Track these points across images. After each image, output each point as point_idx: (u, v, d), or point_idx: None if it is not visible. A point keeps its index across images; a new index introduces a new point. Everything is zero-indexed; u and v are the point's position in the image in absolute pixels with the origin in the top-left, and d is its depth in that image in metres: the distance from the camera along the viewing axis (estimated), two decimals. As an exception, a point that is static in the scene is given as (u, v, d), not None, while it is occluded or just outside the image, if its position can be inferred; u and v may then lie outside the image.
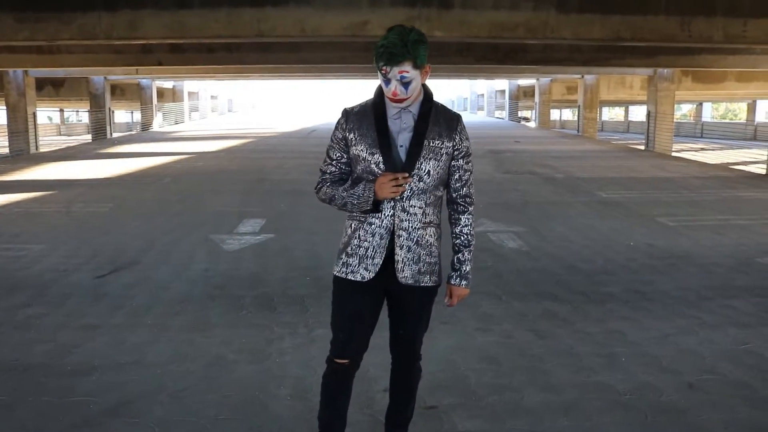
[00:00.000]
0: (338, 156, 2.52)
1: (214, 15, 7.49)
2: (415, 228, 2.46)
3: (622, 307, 5.30)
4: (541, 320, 4.93)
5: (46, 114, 58.21)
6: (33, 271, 6.35)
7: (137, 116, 40.46)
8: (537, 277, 6.19)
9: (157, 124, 33.71)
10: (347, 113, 2.51)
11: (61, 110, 53.66)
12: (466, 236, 2.56)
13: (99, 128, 26.98)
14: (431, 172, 2.43)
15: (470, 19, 7.62)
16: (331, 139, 2.54)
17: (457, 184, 2.54)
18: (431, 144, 2.43)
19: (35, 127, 21.93)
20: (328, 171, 2.55)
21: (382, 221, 2.46)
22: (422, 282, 2.51)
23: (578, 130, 28.64)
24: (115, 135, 29.62)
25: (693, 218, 9.42)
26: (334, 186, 2.51)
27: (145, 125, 32.64)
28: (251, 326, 4.75)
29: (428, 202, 2.48)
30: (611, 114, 64.31)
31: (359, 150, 2.44)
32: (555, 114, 51.81)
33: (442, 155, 2.45)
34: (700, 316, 5.07)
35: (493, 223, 8.56)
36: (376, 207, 2.43)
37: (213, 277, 6.13)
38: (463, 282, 2.58)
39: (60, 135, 46.56)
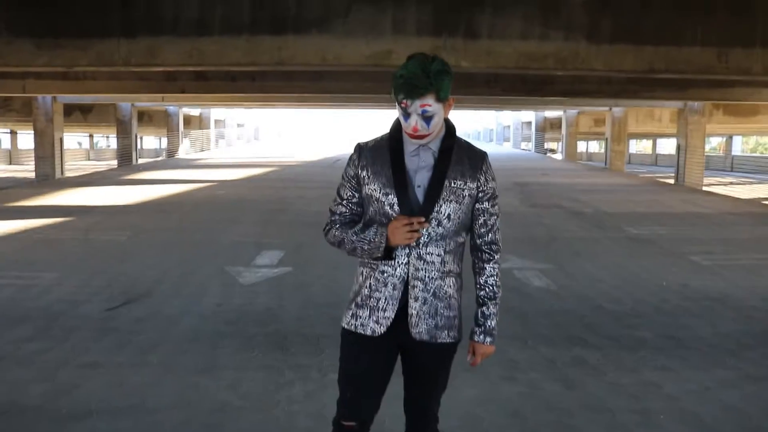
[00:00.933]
0: (349, 195, 2.29)
1: (234, 42, 7.35)
2: (432, 278, 2.21)
3: (657, 354, 4.96)
4: (569, 368, 4.61)
5: (76, 139, 59.17)
6: (42, 302, 6.17)
7: (165, 143, 40.81)
8: (564, 320, 5.87)
9: (183, 151, 33.91)
10: (360, 148, 2.29)
11: (91, 135, 54.48)
12: (491, 288, 2.29)
13: (125, 154, 27.17)
14: (451, 216, 2.19)
15: (498, 49, 7.39)
16: (342, 176, 2.32)
17: (482, 230, 2.29)
18: (452, 185, 2.19)
19: (62, 152, 22.09)
20: (338, 212, 2.32)
21: (396, 270, 2.21)
22: (439, 338, 2.24)
23: (606, 163, 28.23)
24: (140, 161, 29.84)
25: (728, 257, 9.04)
26: (344, 228, 2.28)
27: (171, 152, 32.84)
28: (261, 368, 4.50)
29: (448, 249, 2.23)
30: (638, 146, 63.66)
31: (372, 189, 2.21)
32: (582, 146, 51.34)
33: (464, 197, 2.21)
34: (741, 367, 4.71)
35: (518, 259, 8.25)
36: (389, 254, 2.19)
37: (225, 313, 5.90)
38: (488, 339, 2.30)
39: (89, 160, 47.26)
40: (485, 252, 2.30)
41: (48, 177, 21.22)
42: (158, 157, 41.41)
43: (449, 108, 2.18)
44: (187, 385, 4.19)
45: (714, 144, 59.79)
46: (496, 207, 2.30)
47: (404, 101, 2.11)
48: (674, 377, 4.48)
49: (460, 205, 2.20)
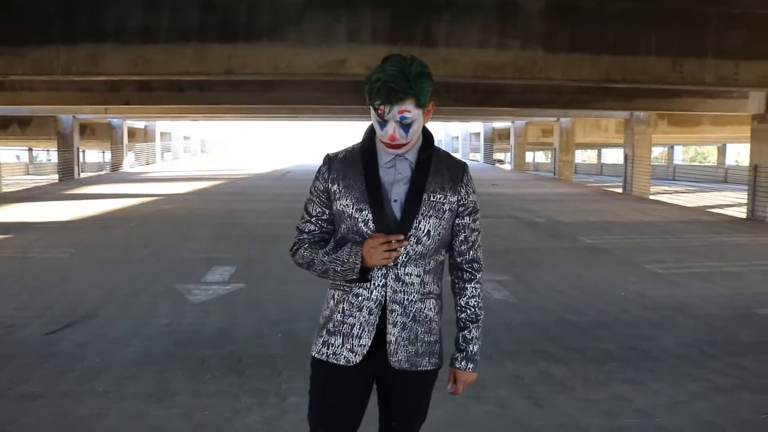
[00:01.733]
0: (318, 212, 2.08)
1: (181, 50, 7.03)
2: (411, 301, 2.01)
3: (624, 368, 4.87)
4: (537, 385, 4.47)
5: (14, 153, 57.16)
6: (-25, 327, 5.75)
7: (109, 156, 39.72)
8: (527, 333, 5.75)
9: (128, 164, 33.04)
10: (330, 160, 2.08)
11: (30, 149, 52.67)
12: (473, 309, 2.11)
13: (67, 168, 26.27)
14: (431, 233, 2.00)
15: (455, 57, 7.27)
16: (311, 191, 2.11)
17: (462, 247, 2.11)
18: (431, 198, 2.00)
19: (-1, 167, 21.17)
20: (306, 230, 2.11)
21: (372, 293, 2.00)
22: (420, 366, 2.05)
23: (554, 173, 28.59)
24: (83, 175, 28.90)
25: (681, 265, 9.12)
26: (313, 248, 2.07)
27: (115, 165, 31.95)
28: (215, 394, 4.22)
29: (428, 268, 2.04)
30: (584, 156, 64.96)
31: (344, 205, 2.00)
32: (529, 156, 52.07)
33: (444, 212, 2.03)
34: (709, 377, 4.65)
35: (476, 271, 8.12)
36: (364, 276, 1.99)
37: (175, 333, 5.59)
38: (470, 365, 2.12)
39: (28, 174, 45.64)
40: (466, 271, 2.12)
41: (-17, 193, 20.29)
42: (102, 170, 40.23)
43: (429, 114, 1.99)
44: (136, 414, 3.89)
45: (656, 154, 61.50)
46: (478, 222, 2.13)
47: (381, 107, 1.91)
48: (644, 391, 4.38)
49: (440, 220, 2.02)
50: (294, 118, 31.69)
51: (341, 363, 2.02)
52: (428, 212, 1.99)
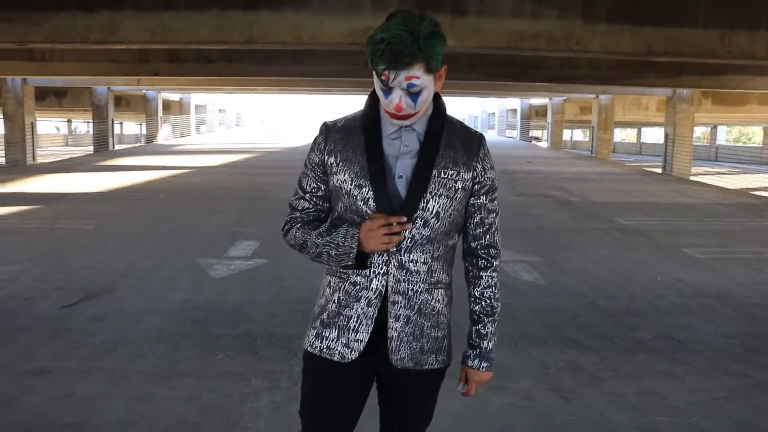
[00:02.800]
0: (314, 187, 1.86)
1: (202, 18, 6.79)
2: (417, 291, 1.78)
3: (657, 359, 4.59)
4: (564, 375, 4.22)
5: (53, 124, 58.01)
6: (-7, 298, 5.69)
7: (145, 128, 40.02)
8: (556, 318, 5.48)
9: (163, 136, 33.21)
10: (327, 129, 1.84)
11: (69, 121, 53.39)
12: (488, 301, 1.87)
13: (102, 140, 26.47)
14: (441, 214, 1.76)
15: (487, 27, 6.90)
16: (305, 163, 1.88)
17: (478, 230, 1.85)
18: (442, 175, 1.76)
19: (33, 137, 21.37)
20: (299, 207, 1.88)
21: (371, 281, 1.77)
22: (425, 364, 1.82)
23: (592, 152, 27.93)
24: (118, 147, 29.13)
25: (723, 250, 8.72)
26: (306, 228, 1.84)
27: (150, 138, 32.14)
28: (225, 375, 4.06)
29: (436, 255, 1.79)
30: (622, 135, 63.59)
31: (342, 180, 1.77)
32: (566, 134, 51.11)
33: (456, 190, 1.78)
34: (750, 373, 4.34)
35: (506, 251, 7.78)
36: (362, 262, 1.76)
37: (192, 310, 5.46)
38: (484, 364, 1.88)
39: (67, 146, 46.36)
40: (481, 257, 1.87)
41: (18, 162, 20.51)
42: (138, 142, 40.58)
43: (440, 81, 1.73)
44: (141, 396, 3.75)
45: (698, 134, 59.94)
46: (495, 202, 1.87)
47: (385, 72, 1.65)
48: (679, 386, 4.10)
49: (451, 200, 1.76)
50: (324, 92, 31.40)
51: (335, 359, 1.80)
52: (438, 190, 1.74)
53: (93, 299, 5.71)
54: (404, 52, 1.60)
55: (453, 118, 1.84)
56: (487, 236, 1.86)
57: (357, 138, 1.78)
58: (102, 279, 6.39)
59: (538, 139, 46.60)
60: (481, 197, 1.83)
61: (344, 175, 1.76)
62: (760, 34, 7.28)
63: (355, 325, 1.78)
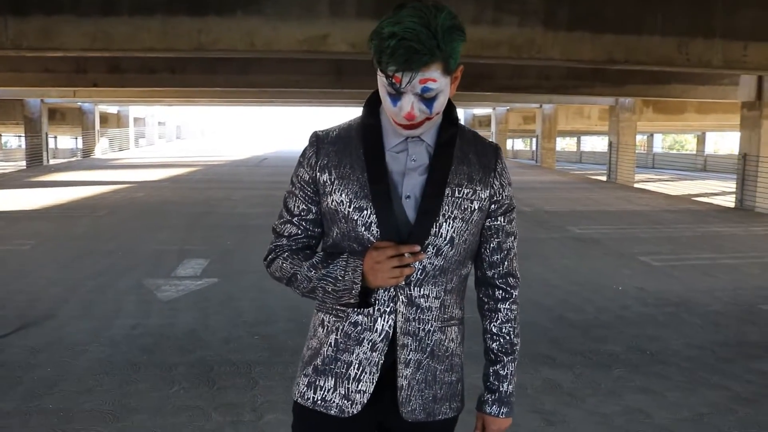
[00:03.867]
0: (303, 209, 1.56)
1: (146, 24, 6.38)
2: (429, 331, 1.51)
3: (633, 373, 4.46)
4: (543, 395, 4.03)
5: (-17, 139, 55.69)
6: None
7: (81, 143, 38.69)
8: (526, 334, 5.21)
9: (100, 150, 32.13)
10: (318, 140, 1.55)
11: (-1, 135, 51.32)
12: (507, 338, 1.62)
13: (35, 154, 25.38)
14: (455, 240, 1.50)
15: (446, 34, 6.69)
16: (292, 181, 1.58)
17: (495, 257, 1.60)
18: (456, 194, 1.50)
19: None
20: (286, 233, 1.58)
21: (375, 321, 1.50)
22: (438, 414, 1.56)
23: (536, 161, 28.25)
24: (53, 162, 28.04)
25: (676, 257, 8.78)
26: (295, 258, 1.55)
27: (87, 152, 31.04)
28: (181, 410, 3.72)
29: (449, 287, 1.54)
30: (562, 144, 64.91)
31: (338, 202, 1.49)
32: (508, 144, 51.81)
33: (473, 212, 1.52)
34: (728, 385, 4.24)
35: (465, 264, 7.69)
36: (366, 299, 1.48)
37: (141, 337, 5.07)
38: (504, 409, 1.63)
39: (-3, 161, 44.46)
40: (499, 288, 1.62)
41: (-55, 179, 19.43)
42: (74, 157, 39.21)
43: (456, 83, 1.46)
44: (89, 438, 3.38)
45: (635, 141, 61.54)
46: (514, 224, 1.63)
47: (397, 75, 1.36)
48: (661, 402, 3.96)
49: (466, 223, 1.51)
50: (271, 103, 30.95)
51: (332, 412, 1.52)
52: (452, 212, 1.49)
53: (30, 328, 5.26)
54: (421, 50, 1.33)
55: (465, 126, 1.59)
56: (506, 263, 1.61)
57: (355, 151, 1.50)
58: (40, 305, 5.93)
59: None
60: (499, 218, 1.58)
61: (341, 195, 1.49)
62: (715, 42, 7.34)
63: (356, 374, 1.50)
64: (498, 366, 1.61)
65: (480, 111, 38.01)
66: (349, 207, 1.47)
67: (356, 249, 1.48)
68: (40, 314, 5.63)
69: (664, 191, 20.71)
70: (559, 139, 58.25)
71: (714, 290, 6.92)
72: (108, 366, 4.44)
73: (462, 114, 40.91)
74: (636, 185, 21.55)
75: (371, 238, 1.46)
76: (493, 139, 34.27)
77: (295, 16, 6.45)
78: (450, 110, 1.53)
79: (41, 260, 7.99)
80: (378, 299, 1.49)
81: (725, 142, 65.86)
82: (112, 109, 35.69)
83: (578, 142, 56.93)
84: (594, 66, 9.36)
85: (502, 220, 1.59)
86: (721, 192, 21.32)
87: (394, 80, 1.37)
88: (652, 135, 46.37)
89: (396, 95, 1.40)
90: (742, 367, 4.64)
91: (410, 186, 1.48)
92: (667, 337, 5.30)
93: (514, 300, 1.63)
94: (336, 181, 1.49)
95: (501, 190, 1.56)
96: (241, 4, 6.45)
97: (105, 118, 34.85)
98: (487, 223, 1.57)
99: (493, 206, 1.56)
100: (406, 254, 1.43)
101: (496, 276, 1.61)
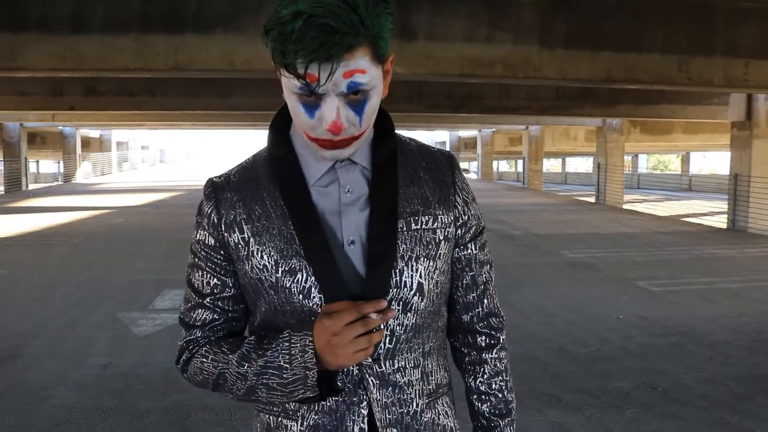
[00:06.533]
0: (215, 285, 1.17)
1: (119, 43, 6.02)
2: (416, 413, 1.14)
3: (647, 414, 4.13)
4: (552, 442, 3.69)
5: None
6: None
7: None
8: (526, 370, 4.97)
9: (82, 175, 31.64)
10: (215, 188, 1.17)
11: (-21, 160, 50.65)
12: (500, 396, 1.26)
13: (14, 179, 24.87)
14: (424, 287, 1.13)
15: (438, 53, 6.39)
16: (192, 249, 1.19)
17: (470, 295, 1.24)
18: (413, 225, 1.13)
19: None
20: (198, 321, 1.18)
21: (343, 419, 1.11)
22: None
23: (523, 183, 28.09)
24: (32, 186, 27.52)
25: (675, 281, 8.51)
26: (218, 352, 1.14)
27: (68, 176, 30.55)
28: (153, 468, 3.34)
29: (428, 348, 1.17)
30: (547, 165, 65.18)
31: (258, 268, 1.11)
32: (493, 165, 51.87)
33: (438, 244, 1.15)
34: (752, 428, 3.92)
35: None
36: (330, 386, 1.10)
37: (111, 379, 4.69)
38: None
39: (-24, 186, 43.81)
40: (481, 333, 1.25)
41: None
42: (55, 181, 38.64)
43: (388, 78, 1.09)
44: (45, 504, 2.99)
45: (619, 162, 61.91)
46: (487, 250, 1.26)
47: (311, 70, 0.98)
48: (680, 448, 3.62)
49: (433, 261, 1.14)
50: (255, 127, 30.66)
51: None
52: (412, 251, 1.11)
53: (-8, 369, 4.86)
54: (340, 28, 0.95)
55: (402, 136, 1.23)
56: (485, 301, 1.25)
57: (268, 195, 1.12)
58: (5, 343, 5.53)
59: (466, 171, 46.97)
60: (469, 246, 1.21)
61: (261, 258, 1.10)
62: (716, 60, 7.11)
63: None
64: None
65: (465, 133, 37.95)
66: (277, 272, 1.09)
67: (292, 324, 1.09)
68: (4, 353, 5.24)
69: (653, 212, 20.56)
70: (544, 160, 58.61)
71: (717, 317, 6.63)
72: (73, 414, 4.04)
73: (447, 136, 40.82)
74: (625, 206, 21.40)
75: (313, 307, 1.08)
76: (478, 162, 34.09)
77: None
78: (383, 119, 1.16)
79: (12, 292, 7.58)
80: (343, 385, 1.11)
81: (708, 161, 66.45)
82: (94, 133, 35.29)
83: (563, 163, 57.11)
84: (592, 85, 9.14)
85: (473, 247, 1.22)
86: (710, 212, 21.21)
87: (307, 79, 0.98)
88: (637, 155, 46.57)
89: (312, 102, 1.02)
90: (761, 405, 4.32)
91: (351, 227, 1.11)
92: (676, 370, 4.99)
93: (502, 346, 1.26)
94: (251, 240, 1.11)
95: (466, 208, 1.19)
96: (220, 21, 6.12)
97: (87, 142, 34.42)
98: (456, 255, 1.21)
99: (459, 231, 1.19)
100: (371, 315, 1.04)
101: (475, 319, 1.25)
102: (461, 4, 6.49)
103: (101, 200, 20.33)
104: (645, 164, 57.73)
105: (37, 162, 52.32)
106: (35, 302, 7.05)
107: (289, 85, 1.02)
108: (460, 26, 6.48)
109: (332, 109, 1.00)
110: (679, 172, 47.86)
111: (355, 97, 1.01)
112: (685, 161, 45.39)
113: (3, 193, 25.69)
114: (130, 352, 5.32)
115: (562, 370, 4.99)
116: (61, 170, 36.48)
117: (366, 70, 1.00)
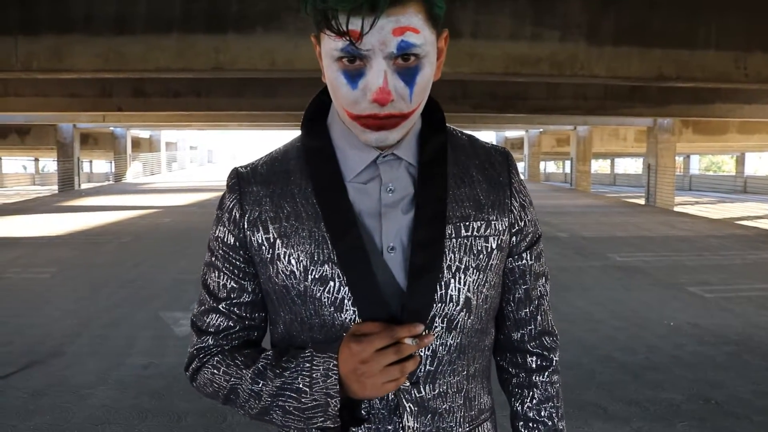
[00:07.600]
0: (232, 289, 1.06)
1: (161, 43, 6.05)
2: None
3: (699, 428, 3.94)
4: (597, 456, 3.53)
5: (20, 163, 56.81)
6: None
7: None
8: (571, 378, 4.80)
9: (132, 175, 32.32)
10: (240, 180, 1.05)
11: (36, 159, 52.26)
12: (549, 424, 1.14)
13: (67, 179, 25.53)
14: (472, 302, 1.00)
15: (482, 51, 6.24)
16: (210, 246, 1.09)
17: (523, 311, 1.11)
18: (463, 232, 1.00)
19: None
20: (211, 327, 1.07)
21: None
22: None
23: (571, 184, 27.61)
24: (84, 186, 28.20)
25: (728, 287, 8.17)
26: (231, 364, 1.03)
27: (118, 176, 31.24)
28: (187, 472, 3.30)
29: (472, 369, 1.05)
30: (595, 166, 64.11)
31: (285, 273, 0.99)
32: (540, 166, 51.25)
33: (490, 253, 1.01)
34: (812, 446, 3.70)
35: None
36: (353, 417, 0.99)
37: (151, 379, 4.69)
38: None
39: (34, 185, 45.32)
40: (532, 353, 1.13)
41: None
42: (107, 181, 39.60)
43: (442, 58, 0.97)
44: (79, 507, 2.98)
45: (670, 163, 60.49)
46: (543, 260, 1.13)
47: (352, 26, 0.85)
48: (735, 466, 3.43)
49: (484, 273, 1.01)
50: (299, 127, 30.87)
51: None
52: (461, 261, 0.98)
53: (35, 366, 4.92)
54: None
55: (454, 129, 1.09)
56: (539, 318, 1.12)
57: (299, 191, 1.00)
58: (50, 340, 5.60)
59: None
60: (524, 255, 1.08)
61: (289, 262, 0.98)
62: (778, 56, 6.80)
63: None
64: None
65: (512, 134, 37.54)
66: (306, 280, 0.96)
67: (320, 340, 0.98)
68: (48, 351, 5.30)
69: (706, 215, 19.96)
70: (593, 162, 57.64)
71: (775, 326, 6.34)
72: (112, 413, 4.05)
73: (493, 137, 40.42)
74: (676, 209, 20.84)
75: (346, 321, 0.96)
76: (525, 162, 33.64)
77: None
78: (432, 109, 1.04)
79: (59, 290, 7.71)
80: (373, 414, 0.99)
81: (764, 163, 64.41)
82: (144, 134, 36.04)
83: (612, 164, 56.06)
84: (643, 83, 8.84)
85: (528, 257, 1.09)
86: (766, 215, 20.49)
87: (350, 35, 0.85)
88: (688, 156, 45.41)
89: (356, 70, 0.88)
90: (823, 421, 4.08)
91: (392, 232, 0.98)
92: (731, 382, 4.76)
93: (555, 369, 1.14)
94: (278, 242, 0.99)
95: (522, 213, 1.06)
96: (261, 20, 6.09)
97: (137, 143, 35.16)
98: (509, 265, 1.08)
99: (514, 238, 1.06)
100: (407, 340, 0.93)
101: (526, 338, 1.13)
102: (506, 1, 6.32)
103: (149, 200, 20.69)
104: (697, 165, 56.25)
105: (90, 162, 53.74)
106: (81, 301, 7.14)
107: (330, 51, 0.89)
108: (504, 23, 6.32)
109: (379, 74, 0.87)
110: (734, 173, 46.49)
111: (406, 63, 0.88)
112: (740, 162, 44.04)
113: (56, 192, 26.38)
114: (170, 352, 5.33)
115: (608, 378, 4.81)
116: (113, 170, 37.42)
117: (420, 30, 0.87)
